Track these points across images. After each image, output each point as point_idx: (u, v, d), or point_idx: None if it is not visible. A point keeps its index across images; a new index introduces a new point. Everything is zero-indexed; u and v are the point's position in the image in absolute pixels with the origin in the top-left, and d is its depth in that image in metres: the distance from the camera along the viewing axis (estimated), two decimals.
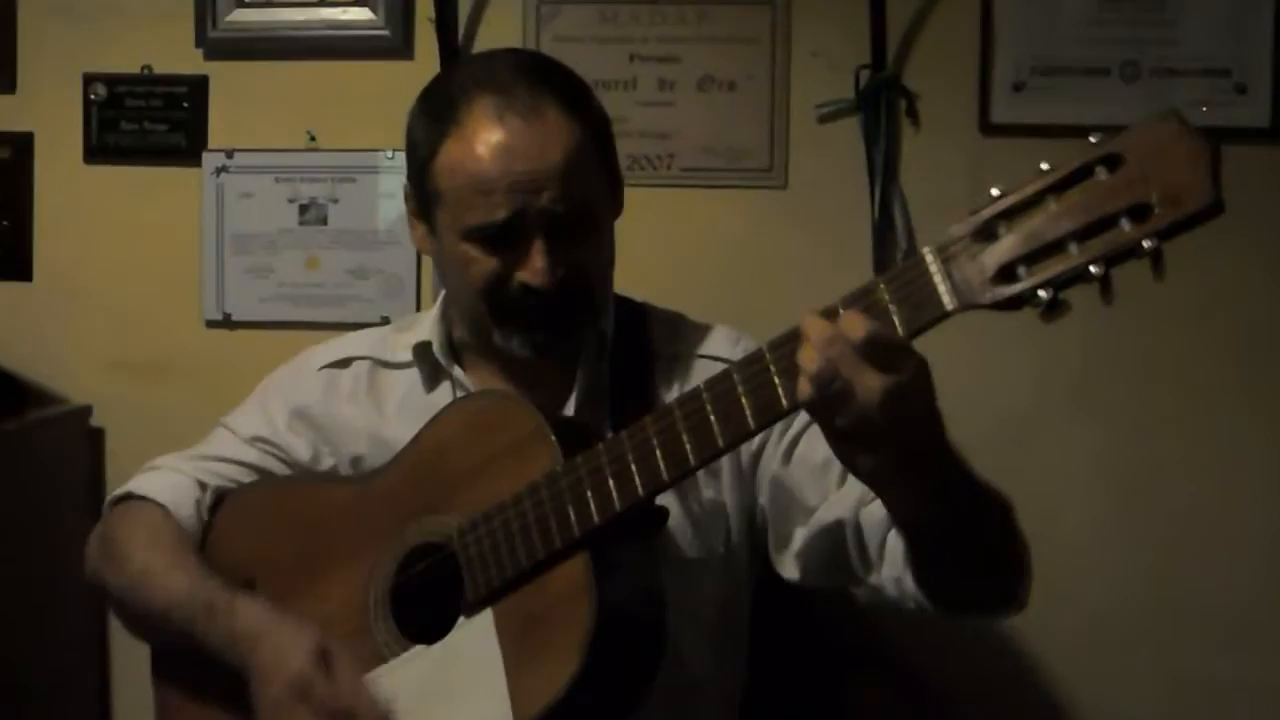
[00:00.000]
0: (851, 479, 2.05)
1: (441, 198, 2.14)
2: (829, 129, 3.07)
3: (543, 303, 2.09)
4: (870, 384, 1.57)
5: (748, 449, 2.18)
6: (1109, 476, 3.05)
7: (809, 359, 1.60)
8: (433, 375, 2.30)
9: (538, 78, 2.13)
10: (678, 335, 2.29)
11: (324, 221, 3.22)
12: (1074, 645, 3.07)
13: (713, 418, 1.78)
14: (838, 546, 2.06)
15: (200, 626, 2.14)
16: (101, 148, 3.29)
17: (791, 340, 1.68)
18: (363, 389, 2.35)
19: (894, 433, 1.60)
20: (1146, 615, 3.05)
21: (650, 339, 2.28)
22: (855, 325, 1.58)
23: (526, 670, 1.91)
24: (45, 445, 3.19)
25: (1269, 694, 3.02)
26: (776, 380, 1.70)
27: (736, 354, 2.12)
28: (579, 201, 2.09)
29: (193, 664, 2.21)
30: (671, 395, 2.18)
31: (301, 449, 2.35)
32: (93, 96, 3.28)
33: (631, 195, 2.96)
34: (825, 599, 2.86)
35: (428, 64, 3.06)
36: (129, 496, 2.34)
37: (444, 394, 2.28)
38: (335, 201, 3.21)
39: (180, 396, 3.23)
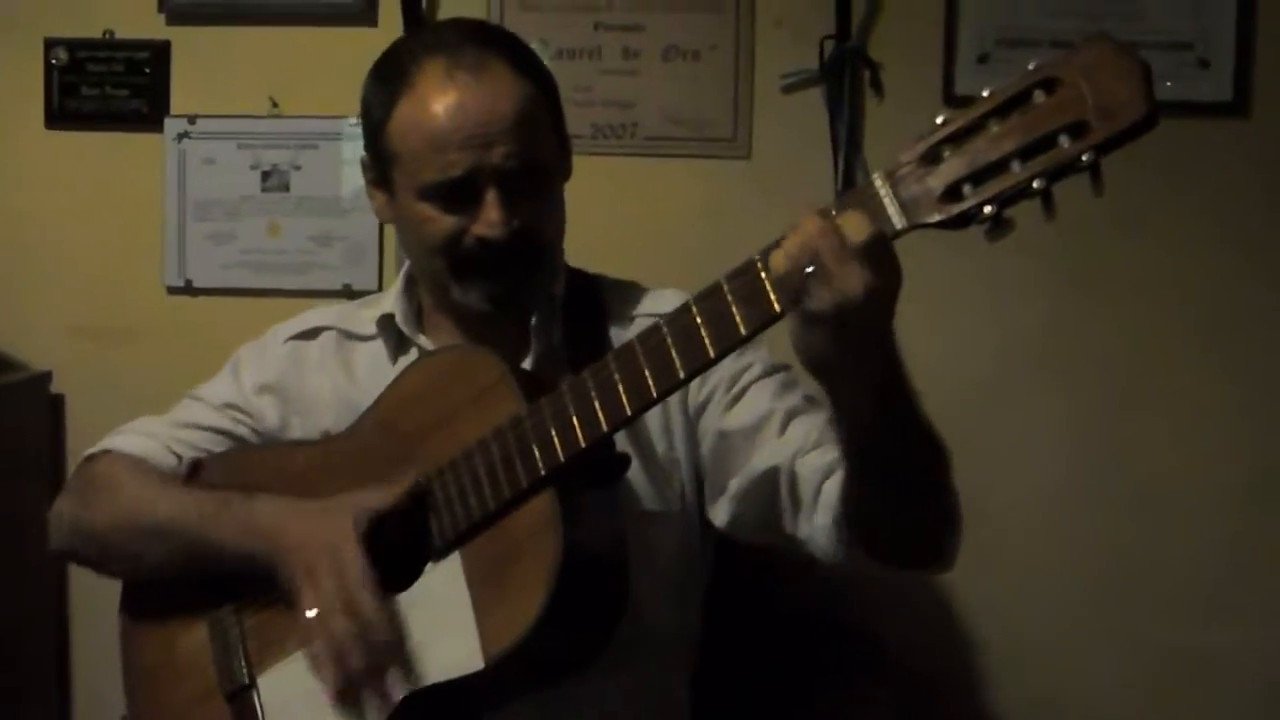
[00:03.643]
0: (792, 430, 2.12)
1: (397, 159, 2.18)
2: (793, 99, 3.07)
3: (498, 255, 2.13)
4: (855, 279, 1.60)
5: (695, 402, 2.22)
6: (1073, 446, 3.07)
7: (792, 244, 1.64)
8: (398, 347, 2.33)
9: (485, 39, 2.19)
10: (630, 299, 2.32)
11: (286, 188, 3.21)
12: (1039, 614, 3.08)
13: (673, 350, 1.81)
14: (771, 493, 2.10)
15: (213, 523, 2.15)
16: (63, 113, 3.27)
17: (749, 270, 1.73)
18: (331, 357, 2.37)
19: (866, 326, 1.64)
20: (1113, 584, 3.07)
21: (603, 303, 2.31)
22: (857, 226, 1.61)
23: (495, 608, 1.93)
24: (4, 411, 3.17)
25: (1235, 662, 3.04)
26: (735, 309, 1.74)
27: None
28: (531, 157, 2.13)
29: (162, 597, 2.27)
30: None
31: (271, 417, 2.37)
32: (54, 61, 3.25)
33: (595, 164, 2.97)
34: (782, 563, 2.89)
35: (391, 30, 3.03)
36: (103, 453, 2.35)
37: (408, 363, 2.28)
38: (298, 168, 3.20)
39: (141, 363, 3.22)
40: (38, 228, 3.30)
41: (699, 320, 1.78)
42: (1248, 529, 3.04)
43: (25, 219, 3.30)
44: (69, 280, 3.29)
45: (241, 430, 2.37)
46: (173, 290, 3.26)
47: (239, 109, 3.22)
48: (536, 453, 1.92)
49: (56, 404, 3.29)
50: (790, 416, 2.14)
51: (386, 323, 2.33)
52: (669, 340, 1.81)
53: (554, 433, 1.91)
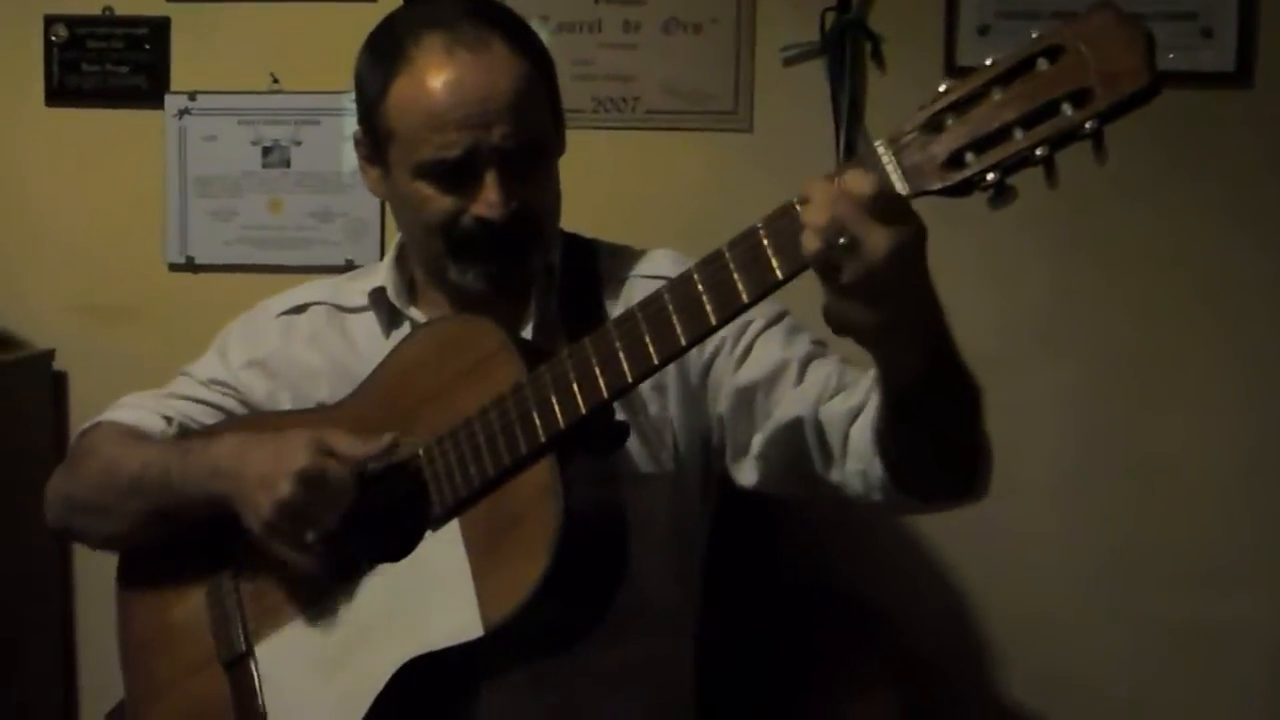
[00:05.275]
0: (809, 378, 2.12)
1: (394, 136, 2.17)
2: (794, 72, 3.07)
3: (496, 234, 2.12)
4: (877, 238, 1.60)
5: (698, 363, 2.22)
6: (1077, 419, 3.07)
7: (817, 215, 1.62)
8: (390, 320, 2.33)
9: (483, 15, 2.17)
10: (624, 262, 2.33)
11: (287, 164, 3.21)
12: (1043, 588, 3.09)
13: (674, 316, 1.81)
14: (798, 444, 2.09)
15: (176, 470, 2.16)
16: (63, 90, 3.27)
17: (750, 237, 1.73)
18: (322, 331, 2.38)
19: (897, 286, 1.64)
20: (1118, 558, 3.08)
21: (598, 267, 2.31)
22: (861, 182, 1.61)
23: (495, 575, 1.93)
24: (7, 390, 3.17)
25: (1237, 633, 3.06)
26: (736, 276, 1.74)
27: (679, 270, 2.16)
28: (529, 136, 2.12)
29: (156, 563, 2.29)
30: None
31: (258, 390, 2.37)
32: (54, 38, 3.25)
33: (596, 138, 2.97)
34: (786, 536, 2.90)
35: (391, 5, 3.01)
36: (93, 426, 2.37)
37: (402, 336, 2.28)
38: (298, 144, 3.20)
39: (144, 340, 3.22)
40: (39, 206, 3.30)
41: (701, 288, 1.78)
42: (1254, 501, 3.04)
43: (26, 197, 3.30)
44: (71, 258, 3.30)
45: (229, 403, 2.38)
46: (174, 267, 3.27)
47: (239, 85, 3.22)
48: (537, 419, 1.92)
49: (59, 382, 3.30)
50: (805, 364, 2.14)
51: (378, 295, 2.33)
52: (670, 307, 1.81)
53: (555, 399, 1.91)
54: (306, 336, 2.38)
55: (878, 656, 2.74)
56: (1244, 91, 2.98)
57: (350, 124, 3.12)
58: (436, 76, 2.10)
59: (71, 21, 3.24)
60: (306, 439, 2.03)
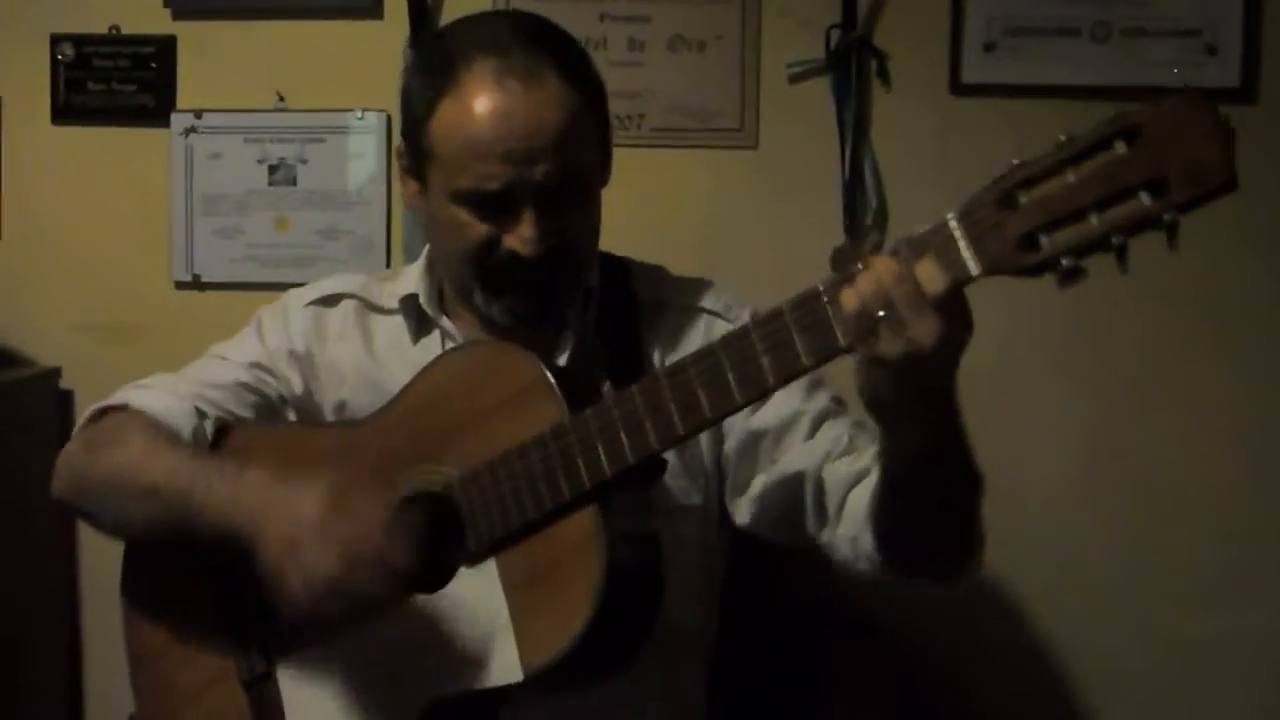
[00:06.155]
0: (820, 435, 2.12)
1: (435, 158, 2.13)
2: (799, 89, 3.07)
3: (529, 270, 2.10)
4: (931, 327, 1.61)
5: None
6: (1079, 437, 3.07)
7: (871, 291, 1.63)
8: (419, 327, 2.30)
9: (538, 42, 2.12)
10: (661, 286, 2.31)
11: (293, 182, 3.21)
12: (1047, 605, 3.09)
13: (730, 374, 1.79)
14: (795, 497, 2.10)
15: (200, 492, 2.06)
16: (69, 108, 3.27)
17: (812, 299, 1.71)
18: (351, 328, 2.34)
19: (941, 369, 1.66)
20: (1119, 574, 3.08)
21: (634, 291, 2.29)
22: (934, 277, 1.61)
23: (535, 620, 1.93)
24: (13, 407, 3.17)
25: (1240, 650, 3.06)
26: (797, 338, 1.72)
27: (718, 307, 2.21)
28: (572, 173, 2.09)
29: (163, 574, 2.25)
30: (658, 343, 2.22)
31: (295, 383, 2.33)
32: (60, 57, 3.25)
33: None
34: (800, 560, 2.89)
35: (397, 24, 3.04)
36: (122, 408, 2.28)
37: (431, 345, 2.28)
38: (304, 162, 3.20)
39: (149, 358, 3.17)
40: (45, 224, 3.31)
41: (759, 347, 1.76)
42: (1254, 518, 3.04)
43: (32, 215, 3.31)
44: (77, 276, 3.30)
45: (269, 391, 2.32)
46: (181, 285, 3.27)
47: (245, 103, 3.22)
48: (582, 467, 1.91)
49: (65, 400, 3.29)
50: (819, 420, 2.14)
51: (410, 302, 2.30)
52: (726, 364, 1.79)
53: (601, 449, 1.90)
54: (337, 332, 2.35)
55: (887, 678, 2.74)
56: (1248, 108, 2.97)
57: (356, 142, 3.16)
58: (484, 105, 2.06)
59: (78, 40, 3.25)
60: (324, 491, 1.97)
